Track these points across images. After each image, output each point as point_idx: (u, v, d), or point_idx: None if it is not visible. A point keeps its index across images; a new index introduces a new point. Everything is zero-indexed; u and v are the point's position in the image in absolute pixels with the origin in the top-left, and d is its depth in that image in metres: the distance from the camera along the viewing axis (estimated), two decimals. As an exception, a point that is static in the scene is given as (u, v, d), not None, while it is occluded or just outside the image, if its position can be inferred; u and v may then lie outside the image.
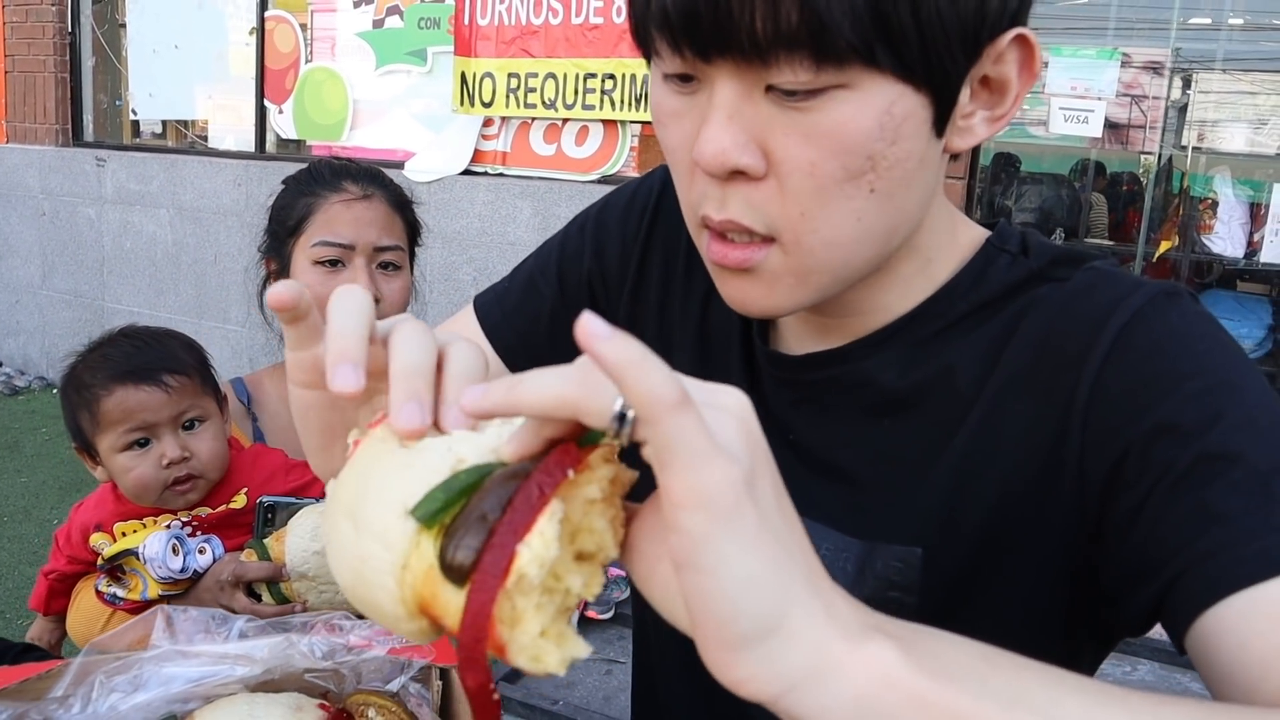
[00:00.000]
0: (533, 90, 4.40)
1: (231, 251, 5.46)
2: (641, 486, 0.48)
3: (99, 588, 1.43)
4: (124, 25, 6.18)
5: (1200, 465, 0.59)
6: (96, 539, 1.46)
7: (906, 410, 0.73)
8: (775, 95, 0.60)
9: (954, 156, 0.70)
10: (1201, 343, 0.65)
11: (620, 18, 4.11)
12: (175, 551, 1.39)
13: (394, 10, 4.93)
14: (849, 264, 0.66)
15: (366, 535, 0.46)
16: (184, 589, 1.42)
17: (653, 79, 0.67)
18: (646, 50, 0.64)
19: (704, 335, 0.86)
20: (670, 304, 0.88)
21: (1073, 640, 0.73)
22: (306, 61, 5.31)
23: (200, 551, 1.41)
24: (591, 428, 0.44)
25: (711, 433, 0.41)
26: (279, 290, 0.53)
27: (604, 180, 4.33)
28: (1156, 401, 0.62)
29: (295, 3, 5.37)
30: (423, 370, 0.50)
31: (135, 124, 6.35)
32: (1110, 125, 4.57)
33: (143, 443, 1.43)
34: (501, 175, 4.62)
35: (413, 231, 1.69)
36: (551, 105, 4.37)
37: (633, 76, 4.12)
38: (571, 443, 0.45)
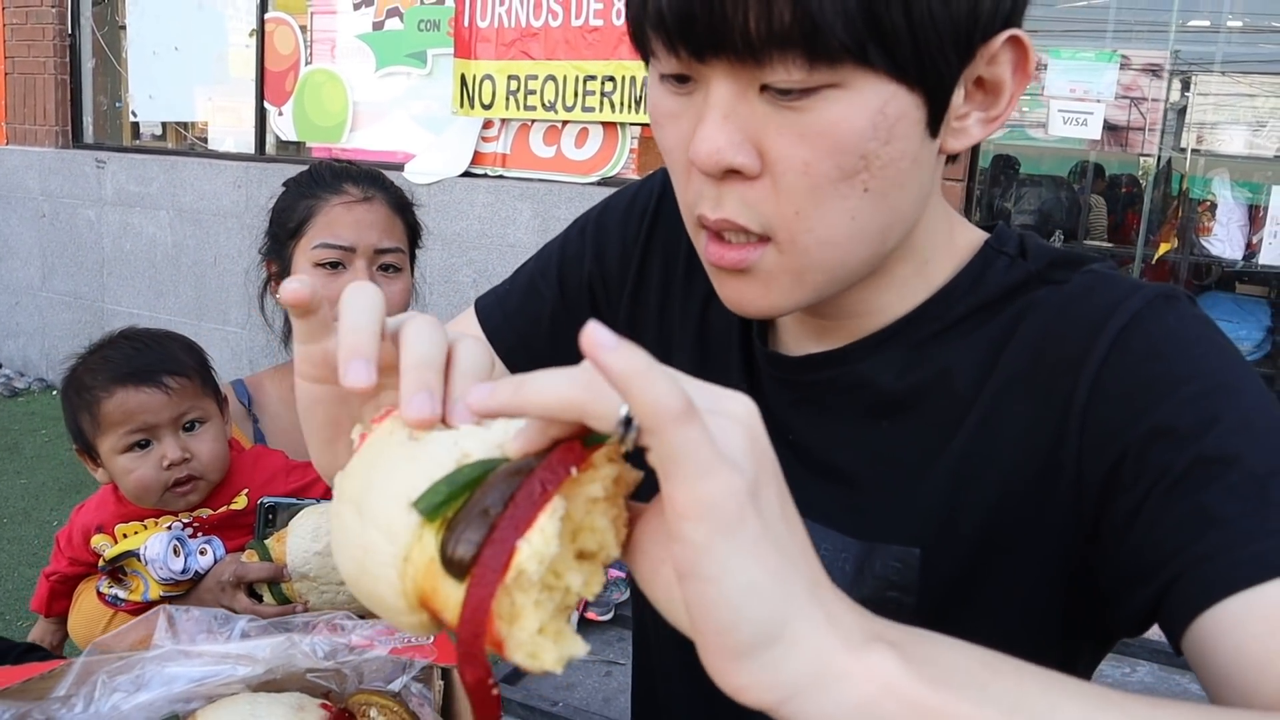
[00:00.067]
0: (532, 92, 4.41)
1: (231, 253, 5.46)
2: (647, 485, 0.49)
3: (100, 589, 1.43)
4: (124, 27, 6.18)
5: (1197, 468, 0.60)
6: (98, 541, 1.47)
7: (905, 412, 0.74)
8: (770, 95, 0.60)
9: (951, 158, 0.70)
10: (1199, 346, 0.65)
11: (620, 20, 4.11)
12: (176, 553, 1.39)
13: (394, 12, 4.94)
14: (844, 263, 0.66)
15: (370, 526, 0.47)
16: (185, 590, 1.42)
17: (650, 81, 0.68)
18: (644, 51, 0.65)
19: (704, 337, 0.86)
20: (670, 306, 0.89)
21: (1070, 640, 0.73)
22: (306, 63, 5.31)
23: (201, 553, 1.42)
24: (597, 431, 0.45)
25: (716, 442, 0.41)
26: (292, 287, 0.54)
27: (604, 182, 4.34)
28: (1154, 404, 0.63)
29: (295, 5, 5.37)
30: (434, 363, 0.51)
31: (135, 126, 6.35)
32: (1109, 127, 4.58)
33: (143, 444, 1.43)
34: (501, 177, 4.62)
35: (413, 233, 1.69)
36: (551, 107, 4.37)
37: (632, 79, 4.13)
38: (576, 441, 0.45)
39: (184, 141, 6.21)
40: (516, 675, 2.89)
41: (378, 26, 5.01)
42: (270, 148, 5.61)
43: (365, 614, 1.10)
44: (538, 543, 0.42)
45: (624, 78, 4.15)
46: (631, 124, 4.24)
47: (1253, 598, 0.55)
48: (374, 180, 1.65)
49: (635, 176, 4.23)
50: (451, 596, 0.44)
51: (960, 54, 0.61)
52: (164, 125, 6.36)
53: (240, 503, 1.49)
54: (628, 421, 0.42)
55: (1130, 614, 0.63)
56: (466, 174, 4.67)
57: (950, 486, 0.71)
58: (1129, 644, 3.14)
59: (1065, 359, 0.67)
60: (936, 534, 0.71)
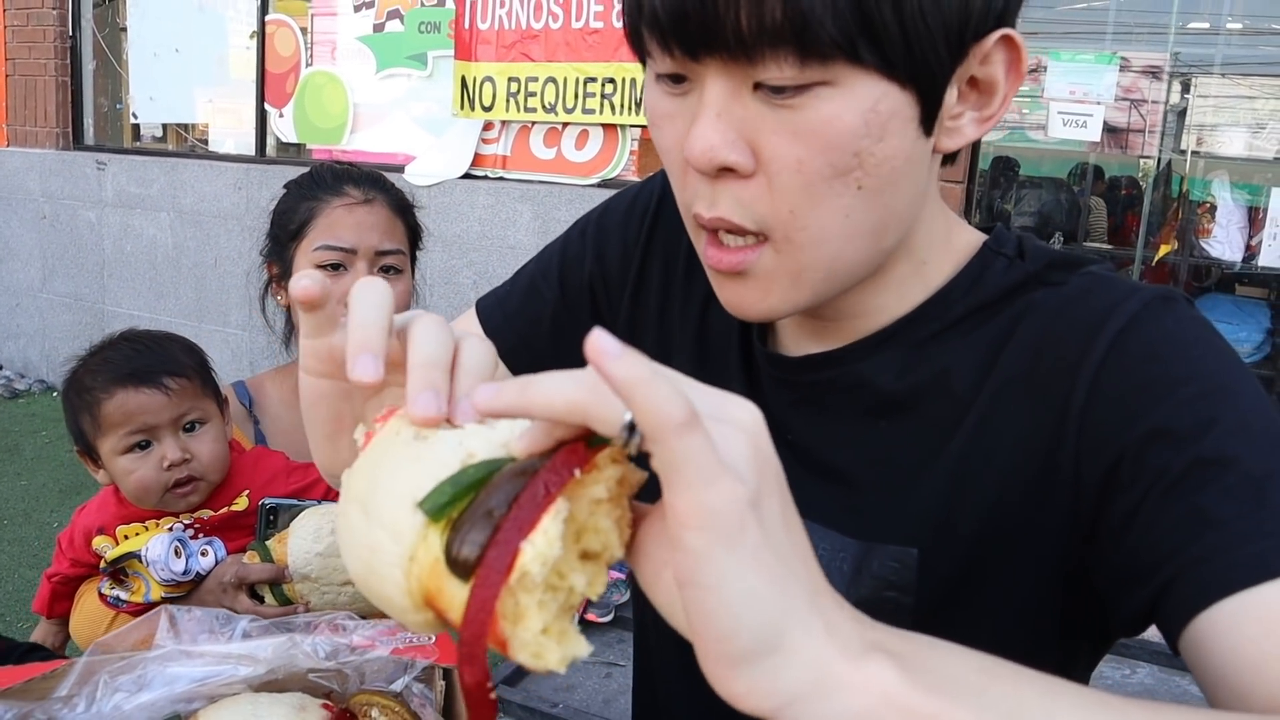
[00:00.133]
0: (533, 94, 4.41)
1: (232, 255, 5.46)
2: (652, 486, 0.49)
3: (102, 590, 1.43)
4: (124, 29, 6.18)
5: (1194, 470, 0.60)
6: (99, 542, 1.47)
7: (903, 412, 0.74)
8: (763, 93, 0.61)
9: (949, 159, 0.71)
10: (1196, 348, 0.65)
11: (620, 22, 4.11)
12: (178, 554, 1.40)
13: (394, 14, 4.94)
14: (839, 261, 0.67)
15: (376, 526, 0.47)
16: (187, 591, 1.42)
17: (647, 82, 0.68)
18: (640, 52, 0.66)
19: (703, 337, 0.86)
20: (670, 307, 0.89)
21: (1068, 640, 0.73)
22: (307, 65, 5.32)
23: (202, 554, 1.42)
24: (601, 436, 0.45)
25: (719, 450, 0.42)
26: (303, 284, 0.54)
27: (604, 184, 4.34)
28: (1151, 406, 0.63)
29: (296, 6, 5.38)
30: (440, 362, 0.51)
31: (136, 127, 6.36)
32: (1109, 129, 4.58)
33: (144, 445, 1.44)
34: (501, 179, 4.63)
35: (414, 235, 1.70)
36: (551, 109, 4.37)
37: (632, 81, 4.13)
38: (580, 443, 0.46)
39: (184, 143, 6.22)
40: (517, 676, 2.89)
41: (378, 28, 5.01)
42: (271, 149, 5.62)
43: (367, 614, 1.10)
44: (541, 544, 0.43)
45: (624, 80, 4.16)
46: (632, 126, 4.24)
47: (1248, 599, 0.56)
48: (375, 182, 1.66)
49: (635, 178, 4.23)
50: (456, 596, 0.45)
51: (952, 52, 0.62)
52: (164, 127, 6.36)
53: (241, 504, 1.50)
54: (631, 427, 0.42)
55: (1127, 615, 0.63)
56: (467, 176, 4.68)
57: (948, 487, 0.71)
58: (1129, 646, 3.14)
59: (1063, 360, 0.67)
60: (934, 534, 0.71)
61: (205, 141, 6.06)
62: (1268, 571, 0.56)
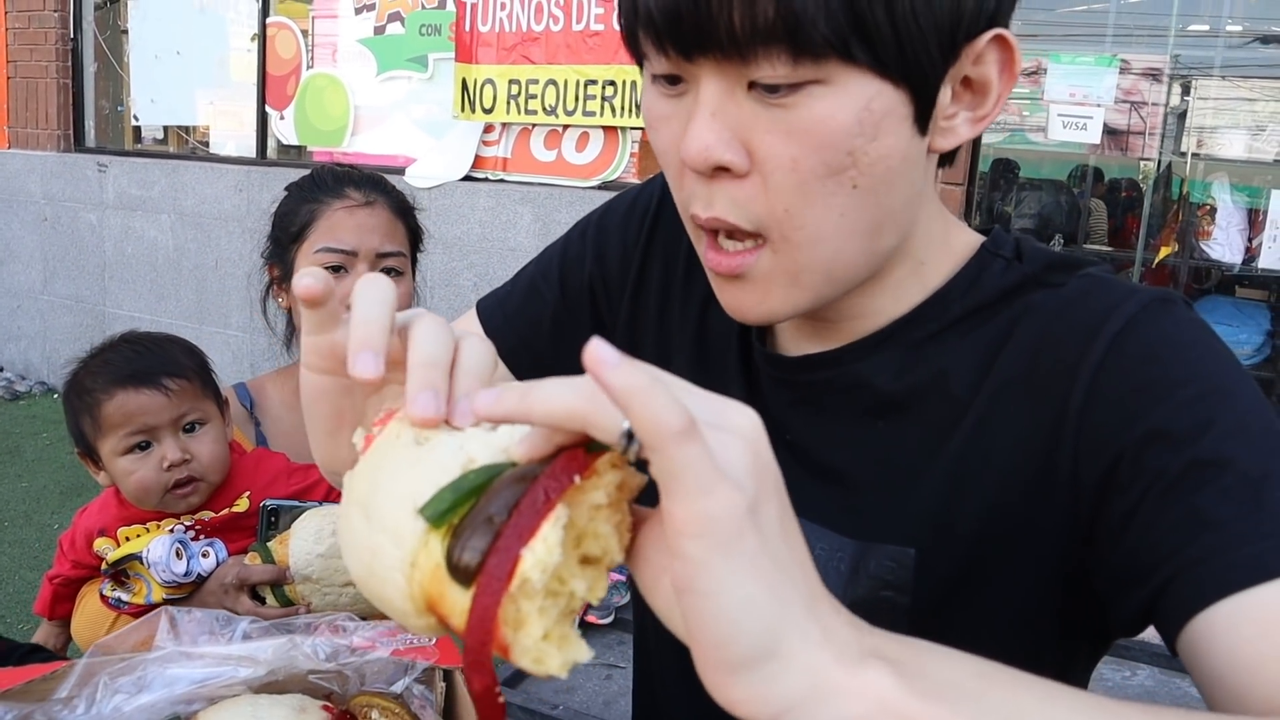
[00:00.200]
0: (533, 97, 4.42)
1: (232, 257, 5.47)
2: (652, 489, 0.49)
3: (103, 592, 1.44)
4: (126, 31, 6.19)
5: (1192, 471, 0.60)
6: (100, 544, 1.47)
7: (901, 413, 0.74)
8: (757, 93, 0.61)
9: (947, 160, 0.71)
10: (1194, 350, 0.65)
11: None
12: (179, 555, 1.40)
13: (395, 17, 4.95)
14: (837, 262, 0.67)
15: (377, 530, 0.47)
16: (188, 593, 1.42)
17: (644, 84, 0.69)
18: (637, 54, 0.67)
19: (703, 338, 0.86)
20: (670, 308, 0.89)
21: (1066, 641, 0.73)
22: (308, 68, 5.32)
23: (204, 555, 1.42)
24: (601, 442, 0.45)
25: (717, 458, 0.42)
26: (306, 282, 0.54)
27: (604, 186, 4.34)
28: (1150, 408, 0.63)
29: (297, 9, 5.39)
30: (440, 363, 0.51)
31: (137, 129, 6.36)
32: (1109, 131, 4.59)
33: (144, 446, 1.44)
34: (502, 181, 4.63)
35: (414, 237, 1.70)
36: (552, 111, 4.38)
37: (633, 83, 4.13)
38: (579, 448, 0.46)
39: (185, 145, 6.22)
40: (517, 678, 2.89)
41: (379, 31, 5.02)
42: (272, 152, 5.62)
43: (368, 615, 1.10)
44: (541, 552, 0.43)
45: (624, 82, 4.16)
46: (632, 128, 4.24)
47: (1245, 600, 0.56)
48: (375, 184, 1.66)
49: (636, 180, 4.24)
50: (458, 602, 0.45)
51: (944, 52, 0.62)
52: (165, 129, 6.37)
53: (242, 505, 1.50)
54: (630, 435, 0.43)
55: (1126, 615, 0.64)
56: (467, 178, 4.68)
57: (946, 488, 0.71)
58: (1129, 648, 3.14)
59: (1062, 362, 0.68)
60: (931, 534, 0.71)
61: (206, 144, 6.06)
62: (1265, 573, 0.56)
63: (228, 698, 0.93)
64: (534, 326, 0.94)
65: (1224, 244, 4.43)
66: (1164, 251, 4.82)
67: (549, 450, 0.46)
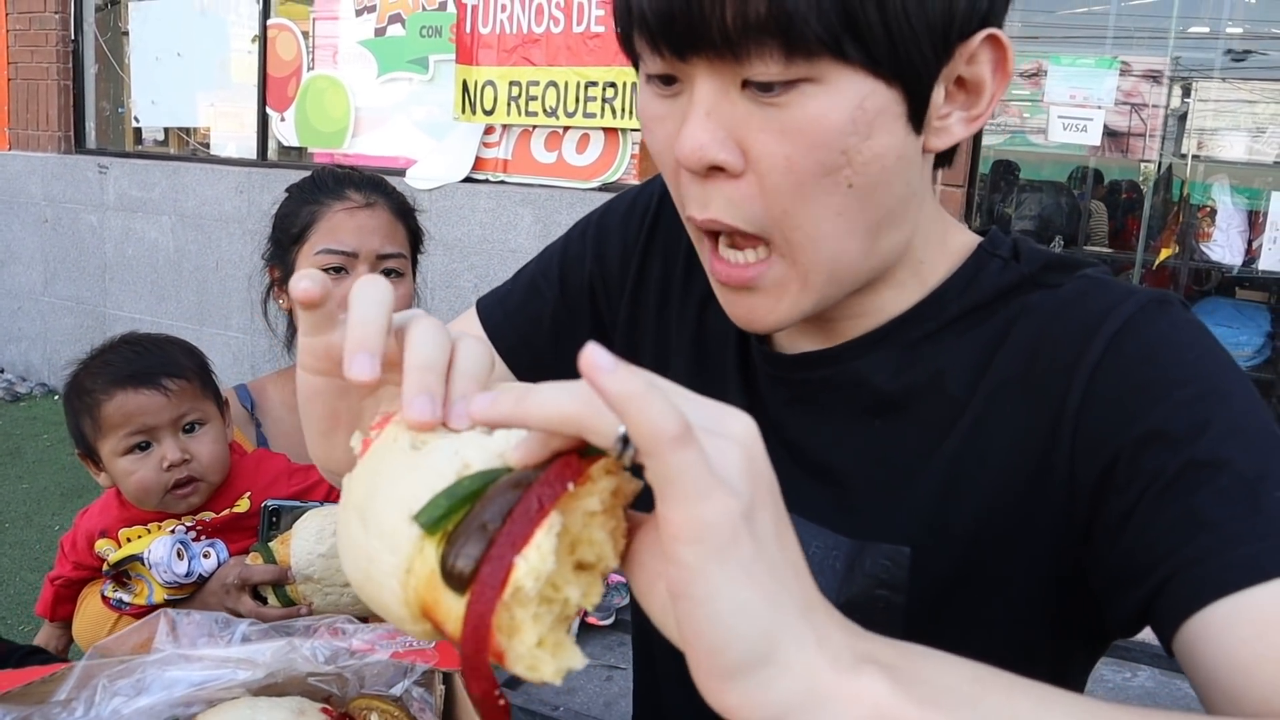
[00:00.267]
0: (534, 98, 4.42)
1: (233, 258, 5.47)
2: (647, 494, 0.49)
3: (105, 593, 1.44)
4: (126, 33, 6.20)
5: (1189, 472, 0.60)
6: (102, 545, 1.47)
7: (898, 412, 0.74)
8: (751, 92, 0.62)
9: (945, 161, 0.71)
10: (1191, 351, 0.66)
11: (621, 26, 4.11)
12: (180, 556, 1.40)
13: (396, 19, 4.95)
14: (839, 263, 0.67)
15: (374, 536, 0.47)
16: (189, 593, 1.43)
17: (640, 85, 0.69)
18: (632, 54, 0.67)
19: (701, 338, 0.87)
20: (669, 307, 0.89)
21: (1063, 641, 0.73)
22: (308, 69, 5.32)
23: (205, 556, 1.42)
24: (596, 447, 0.45)
25: (713, 463, 0.42)
26: (303, 285, 0.54)
27: (605, 188, 4.34)
28: (1147, 408, 0.63)
29: (297, 10, 5.39)
30: (436, 366, 0.51)
31: (137, 131, 6.36)
32: (1109, 133, 4.58)
33: (143, 446, 1.44)
34: (503, 183, 4.63)
35: (415, 239, 1.70)
36: (553, 113, 4.38)
37: (633, 85, 4.11)
38: (573, 454, 0.46)
39: (186, 147, 6.22)
40: (517, 680, 2.89)
41: (380, 32, 5.02)
42: (272, 153, 5.62)
43: (368, 617, 1.10)
44: (534, 559, 0.43)
45: (625, 84, 4.16)
46: (633, 130, 4.24)
47: (1241, 601, 0.56)
48: (376, 186, 1.66)
49: (636, 182, 4.22)
50: (452, 609, 0.45)
51: (937, 52, 0.62)
52: (166, 130, 6.37)
53: (243, 506, 1.50)
54: (625, 440, 0.42)
55: (1122, 615, 0.64)
56: (468, 179, 4.68)
57: (942, 487, 0.71)
58: (1130, 649, 3.14)
59: (1059, 362, 0.68)
60: (927, 534, 0.72)
61: (207, 145, 6.06)
62: (1261, 573, 0.56)
63: (226, 700, 0.93)
64: (534, 325, 0.94)
65: (1224, 246, 4.42)
66: (1164, 253, 4.82)
67: (544, 455, 0.46)
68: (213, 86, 5.84)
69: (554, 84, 4.35)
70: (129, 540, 1.47)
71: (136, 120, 6.28)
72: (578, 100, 4.30)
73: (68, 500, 4.56)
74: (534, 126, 4.50)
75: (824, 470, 0.77)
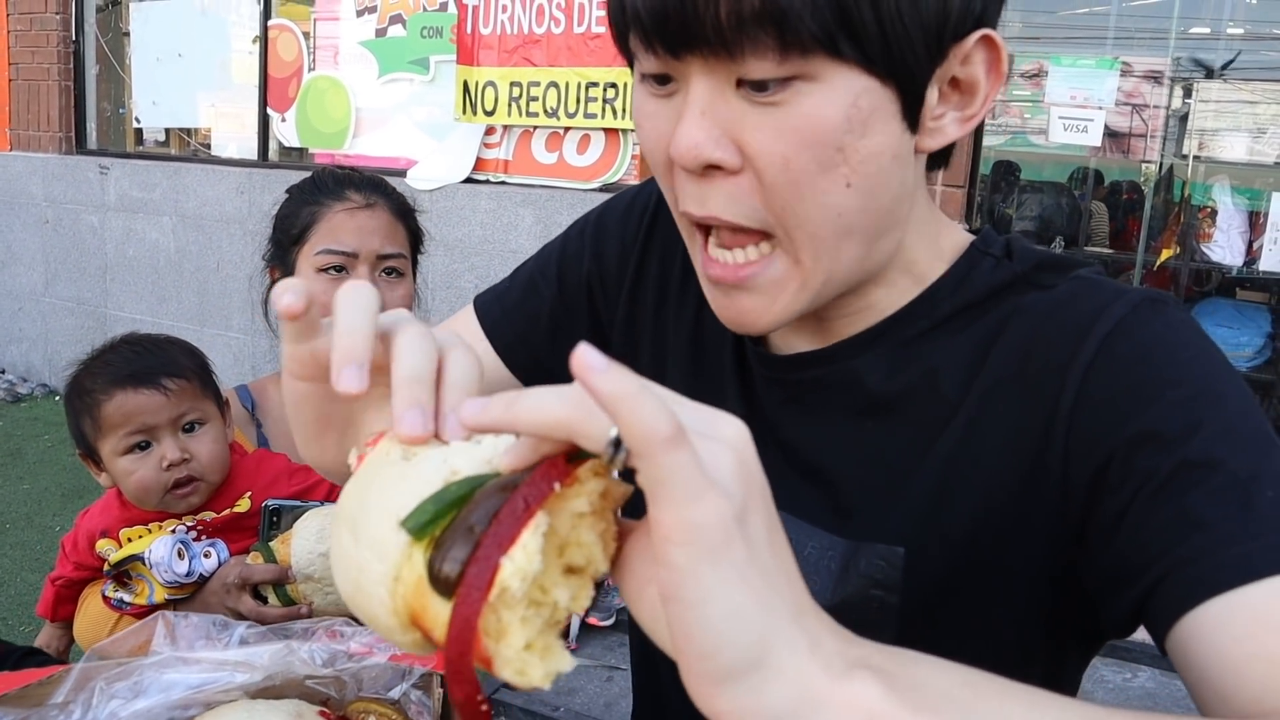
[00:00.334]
0: (535, 99, 4.42)
1: (234, 259, 5.47)
2: (638, 501, 0.49)
3: (106, 593, 1.44)
4: (127, 33, 6.20)
5: (1181, 472, 0.60)
6: (103, 545, 1.47)
7: (891, 412, 0.74)
8: (745, 91, 0.62)
9: (941, 161, 0.71)
10: (1185, 351, 0.66)
11: (621, 27, 4.12)
12: (181, 556, 1.40)
13: (396, 19, 4.95)
14: (839, 263, 0.67)
15: (363, 546, 0.47)
16: (190, 593, 1.43)
17: (635, 84, 0.69)
18: (627, 53, 0.67)
19: (698, 338, 0.87)
20: (666, 306, 0.89)
21: (1057, 641, 0.73)
22: (309, 70, 5.33)
23: (205, 555, 1.42)
24: (587, 451, 0.45)
25: (705, 466, 0.41)
26: (287, 300, 0.53)
27: (605, 188, 4.34)
28: (1140, 409, 0.63)
29: (298, 11, 5.39)
30: (424, 378, 0.51)
31: (138, 132, 6.37)
32: (1110, 134, 4.58)
33: (143, 446, 1.44)
34: (503, 183, 4.63)
35: (415, 239, 1.70)
36: (553, 114, 4.38)
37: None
38: (560, 456, 0.45)
39: (187, 147, 6.23)
40: (517, 681, 2.89)
41: (380, 33, 5.02)
42: (273, 154, 5.63)
43: (365, 624, 1.10)
44: (520, 559, 0.42)
45: (626, 84, 4.16)
46: (633, 130, 4.24)
47: (1233, 600, 0.56)
48: (376, 186, 1.67)
49: (637, 183, 4.23)
50: (440, 615, 0.44)
51: (931, 53, 0.62)
52: (167, 131, 6.37)
53: (243, 506, 1.50)
54: (617, 443, 0.42)
55: (1116, 615, 0.64)
56: (469, 180, 4.68)
57: (936, 487, 0.71)
58: (1130, 649, 3.13)
59: (1052, 363, 0.68)
60: (921, 534, 0.72)
61: (207, 146, 6.07)
62: (1253, 573, 0.56)
63: (224, 703, 0.93)
64: (531, 322, 0.94)
65: (1225, 246, 4.42)
66: (1165, 254, 4.82)
67: (534, 460, 0.46)
68: (213, 87, 5.85)
69: (555, 84, 4.35)
70: (130, 540, 1.47)
71: (137, 121, 6.29)
72: (578, 101, 4.30)
73: (69, 501, 4.56)
74: (535, 127, 4.50)
75: (818, 471, 0.77)
